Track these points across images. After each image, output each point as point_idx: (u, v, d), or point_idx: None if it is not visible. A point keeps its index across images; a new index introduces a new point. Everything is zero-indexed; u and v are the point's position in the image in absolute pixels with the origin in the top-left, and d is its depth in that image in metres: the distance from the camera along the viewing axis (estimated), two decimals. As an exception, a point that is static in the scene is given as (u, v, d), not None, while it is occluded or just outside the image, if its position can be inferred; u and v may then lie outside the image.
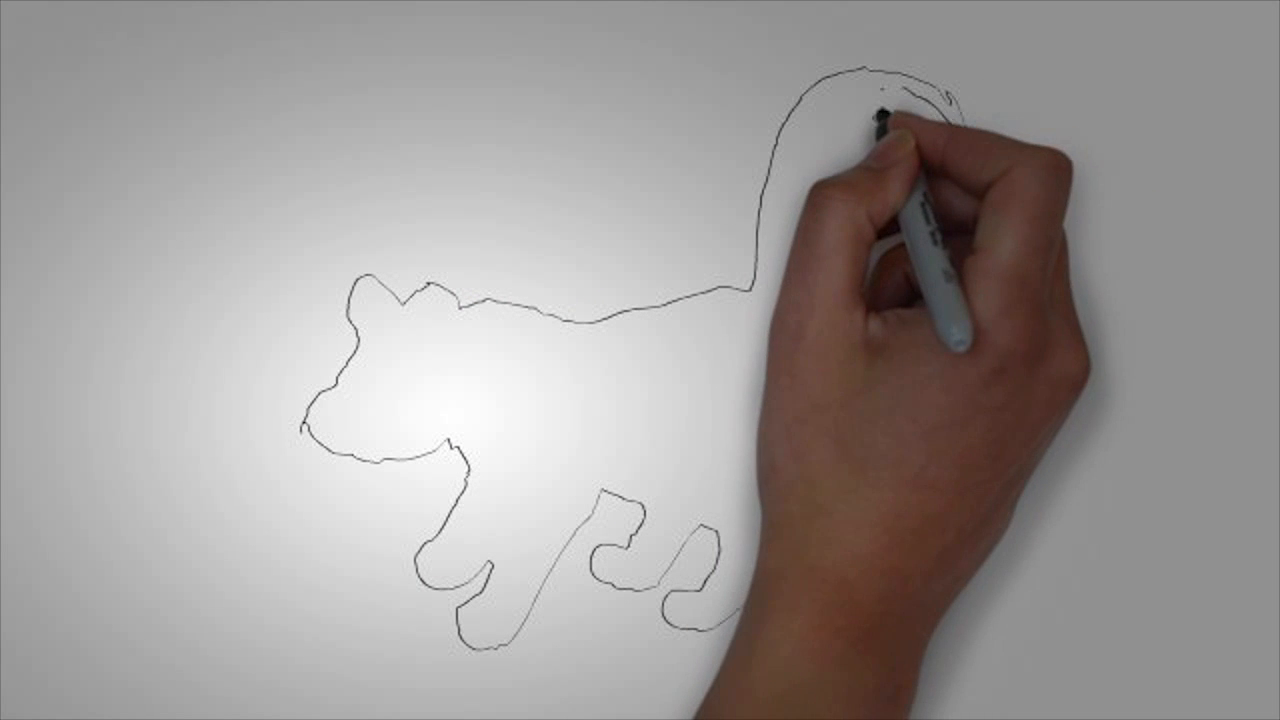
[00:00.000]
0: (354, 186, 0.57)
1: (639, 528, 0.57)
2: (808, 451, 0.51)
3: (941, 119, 0.56)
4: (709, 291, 0.57)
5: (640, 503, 0.57)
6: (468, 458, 0.57)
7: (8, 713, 0.56)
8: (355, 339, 0.56)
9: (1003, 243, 0.50)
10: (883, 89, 0.57)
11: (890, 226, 0.53)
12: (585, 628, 0.57)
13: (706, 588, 0.57)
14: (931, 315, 0.50)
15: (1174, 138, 0.58)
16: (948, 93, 0.57)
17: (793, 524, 0.52)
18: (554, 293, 0.57)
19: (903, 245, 0.53)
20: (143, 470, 0.56)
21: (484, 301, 0.57)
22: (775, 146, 0.57)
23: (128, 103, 0.57)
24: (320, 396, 0.56)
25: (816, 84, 0.57)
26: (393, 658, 0.56)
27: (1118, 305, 0.58)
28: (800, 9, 0.57)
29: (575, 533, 0.57)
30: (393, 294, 0.57)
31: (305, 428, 0.56)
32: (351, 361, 0.56)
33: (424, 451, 0.57)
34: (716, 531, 0.57)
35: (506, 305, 0.57)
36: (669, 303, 0.57)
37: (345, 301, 0.57)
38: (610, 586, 0.57)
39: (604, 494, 0.57)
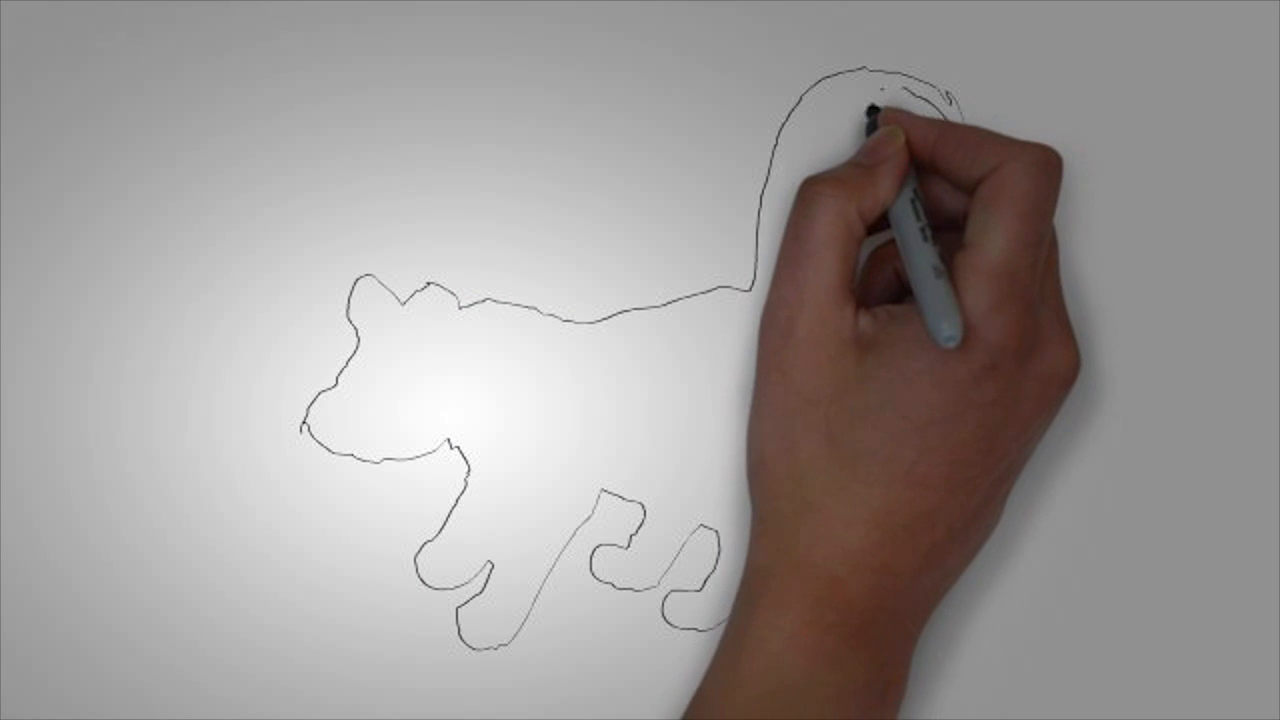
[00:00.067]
0: (354, 186, 0.57)
1: (639, 528, 0.57)
2: (798, 447, 0.51)
3: (940, 118, 0.56)
4: (709, 291, 0.57)
5: (640, 503, 0.57)
6: (468, 458, 0.57)
7: (8, 713, 0.56)
8: (355, 339, 0.57)
9: (993, 239, 0.50)
10: (883, 89, 0.57)
11: (880, 222, 0.53)
12: (585, 628, 0.57)
13: (706, 588, 0.57)
14: (921, 311, 0.50)
15: (1172, 136, 0.58)
16: (948, 93, 0.57)
17: (782, 520, 0.52)
18: (554, 293, 0.57)
19: (893, 241, 0.53)
20: (143, 470, 0.56)
21: (484, 301, 0.57)
22: (775, 146, 0.57)
23: (128, 103, 0.57)
24: (320, 396, 0.56)
25: (816, 84, 0.57)
26: (393, 658, 0.56)
27: (1108, 301, 0.58)
28: (800, 9, 0.57)
29: (575, 533, 0.57)
30: (393, 294, 0.57)
31: (305, 428, 0.56)
32: (351, 361, 0.56)
33: (424, 451, 0.57)
34: (716, 531, 0.57)
35: (506, 305, 0.57)
36: (669, 303, 0.57)
37: (345, 301, 0.57)
38: (610, 586, 0.57)
39: (604, 494, 0.57)
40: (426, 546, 0.56)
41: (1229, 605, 0.57)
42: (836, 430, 0.51)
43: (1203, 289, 0.58)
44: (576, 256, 0.57)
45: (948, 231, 0.53)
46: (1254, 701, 0.57)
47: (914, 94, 0.57)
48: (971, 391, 0.50)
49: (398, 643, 0.56)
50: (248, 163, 0.57)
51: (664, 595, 0.57)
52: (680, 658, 0.57)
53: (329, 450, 0.56)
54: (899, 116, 0.54)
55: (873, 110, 0.56)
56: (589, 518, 0.57)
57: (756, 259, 0.57)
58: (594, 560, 0.57)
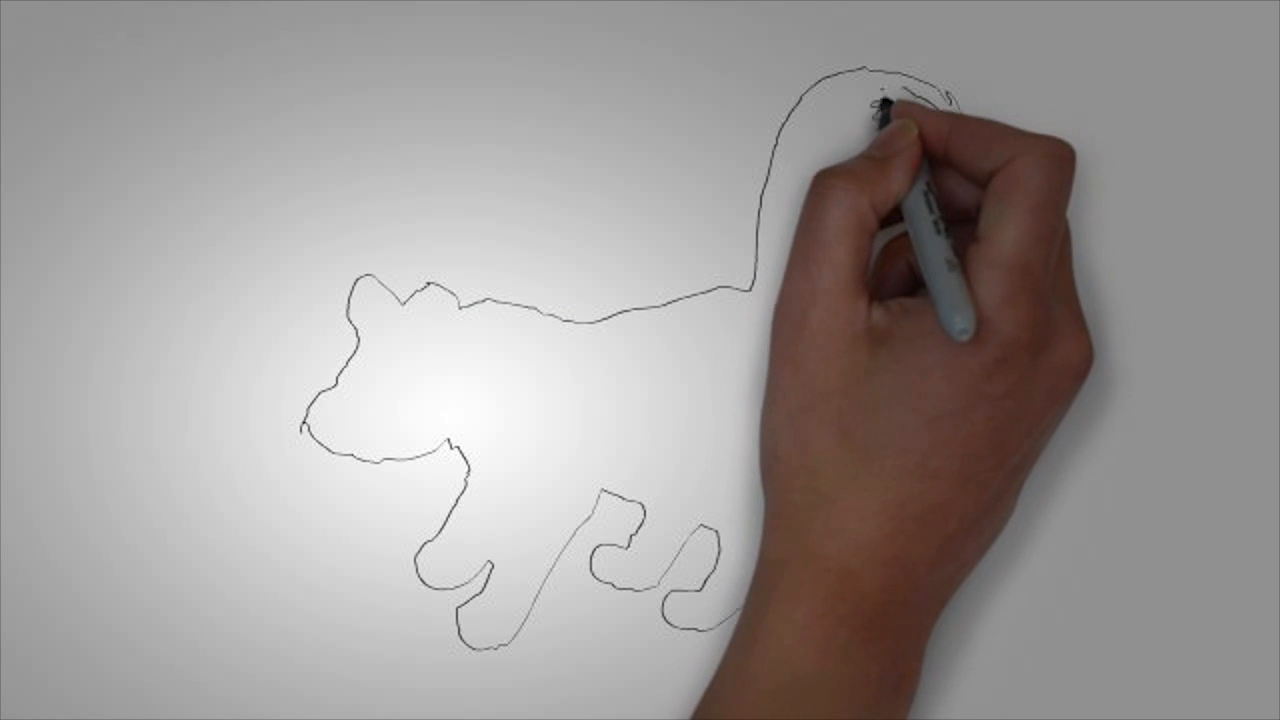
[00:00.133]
0: (354, 186, 0.57)
1: (639, 528, 0.57)
2: (811, 440, 0.51)
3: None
4: (709, 291, 0.57)
5: (640, 503, 0.57)
6: (468, 458, 0.57)
7: (8, 713, 0.56)
8: (355, 339, 0.56)
9: (1005, 232, 0.50)
10: (882, 89, 0.57)
11: (893, 215, 0.53)
12: (585, 628, 0.57)
13: (706, 588, 0.57)
14: (934, 304, 0.50)
15: (1174, 134, 0.58)
16: (948, 92, 0.57)
17: (795, 513, 0.52)
18: (554, 293, 0.57)
19: (906, 234, 0.53)
20: (143, 470, 0.56)
21: (484, 301, 0.57)
22: (775, 146, 0.57)
23: (128, 103, 0.57)
24: (320, 396, 0.56)
25: (816, 84, 0.57)
26: (393, 658, 0.56)
27: (1120, 295, 0.58)
28: (800, 9, 0.57)
29: (575, 533, 0.57)
30: (393, 294, 0.57)
31: (305, 428, 0.56)
32: (351, 361, 0.56)
33: (424, 451, 0.57)
34: (716, 531, 0.57)
35: (506, 305, 0.57)
36: (669, 303, 0.57)
37: (345, 301, 0.57)
38: (610, 586, 0.57)
39: (604, 494, 0.57)
40: (426, 546, 0.56)
41: (1243, 599, 0.57)
42: (849, 423, 0.51)
43: (1215, 282, 0.58)
44: (576, 256, 0.57)
45: (961, 224, 0.53)
46: (1255, 699, 0.57)
47: (914, 94, 0.57)
48: (983, 384, 0.50)
49: (398, 643, 0.56)
50: (248, 163, 0.57)
51: (664, 595, 0.57)
52: (680, 658, 0.57)
53: (329, 450, 0.56)
54: (912, 109, 0.54)
55: (885, 103, 0.56)
56: (589, 518, 0.57)
57: (756, 259, 0.57)
58: (594, 560, 0.57)
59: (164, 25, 0.57)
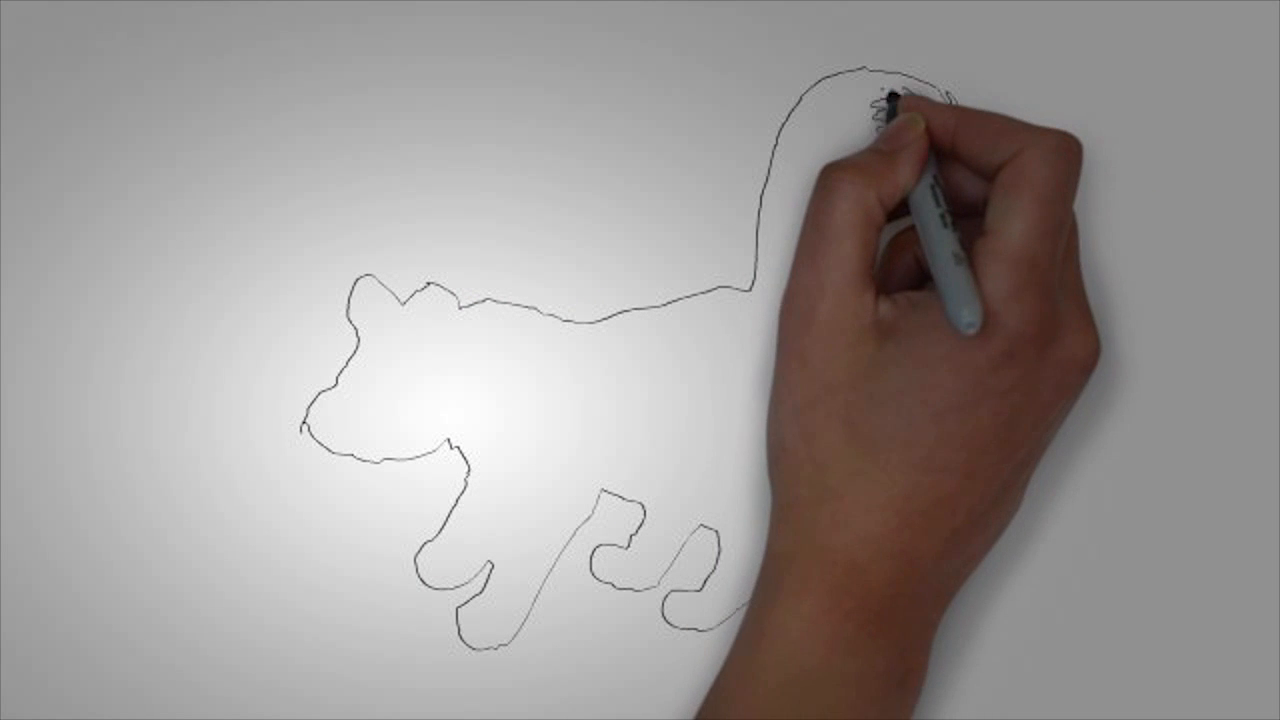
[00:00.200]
0: (354, 186, 0.57)
1: (639, 528, 0.57)
2: (818, 434, 0.51)
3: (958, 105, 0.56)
4: (709, 291, 0.57)
5: (640, 503, 0.57)
6: (468, 458, 0.57)
7: (8, 713, 0.56)
8: (355, 339, 0.56)
9: (1012, 225, 0.50)
10: (883, 89, 0.57)
11: (900, 209, 0.53)
12: (585, 628, 0.57)
13: (706, 588, 0.57)
14: (941, 298, 0.50)
15: (1175, 131, 0.58)
16: (947, 92, 0.57)
17: (802, 506, 0.52)
18: (554, 293, 0.57)
19: (913, 227, 0.53)
20: (143, 470, 0.56)
21: (484, 301, 0.57)
22: (775, 146, 0.57)
23: (128, 103, 0.57)
24: (320, 396, 0.56)
25: (816, 84, 0.57)
26: (393, 658, 0.56)
27: (1125, 289, 0.58)
28: (800, 9, 0.57)
29: (575, 533, 0.57)
30: (393, 294, 0.57)
31: (305, 428, 0.56)
32: (351, 361, 0.56)
33: (424, 451, 0.57)
34: (716, 531, 0.57)
35: (506, 305, 0.57)
36: (669, 303, 0.57)
37: (345, 301, 0.57)
38: (610, 586, 0.57)
39: (604, 494, 0.57)
40: (426, 546, 0.56)
41: (1248, 593, 0.57)
42: (856, 416, 0.51)
43: (1220, 276, 0.58)
44: (576, 256, 0.57)
45: (968, 218, 0.53)
46: (1256, 699, 0.57)
47: (914, 94, 0.57)
48: (990, 378, 0.50)
49: (398, 643, 0.56)
50: (248, 163, 0.57)
51: (664, 595, 0.57)
52: (680, 658, 0.57)
53: (329, 450, 0.56)
54: (919, 103, 0.54)
55: (892, 96, 0.56)
56: (589, 518, 0.57)
57: (756, 259, 0.57)
58: (594, 560, 0.57)
59: (164, 25, 0.57)
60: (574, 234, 0.57)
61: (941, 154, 0.54)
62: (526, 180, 0.57)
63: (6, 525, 0.56)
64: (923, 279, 0.55)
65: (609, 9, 0.57)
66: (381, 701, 0.56)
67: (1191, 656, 0.57)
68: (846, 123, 0.57)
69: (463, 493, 0.57)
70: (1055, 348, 0.51)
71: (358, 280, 0.57)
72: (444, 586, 0.56)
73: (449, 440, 0.57)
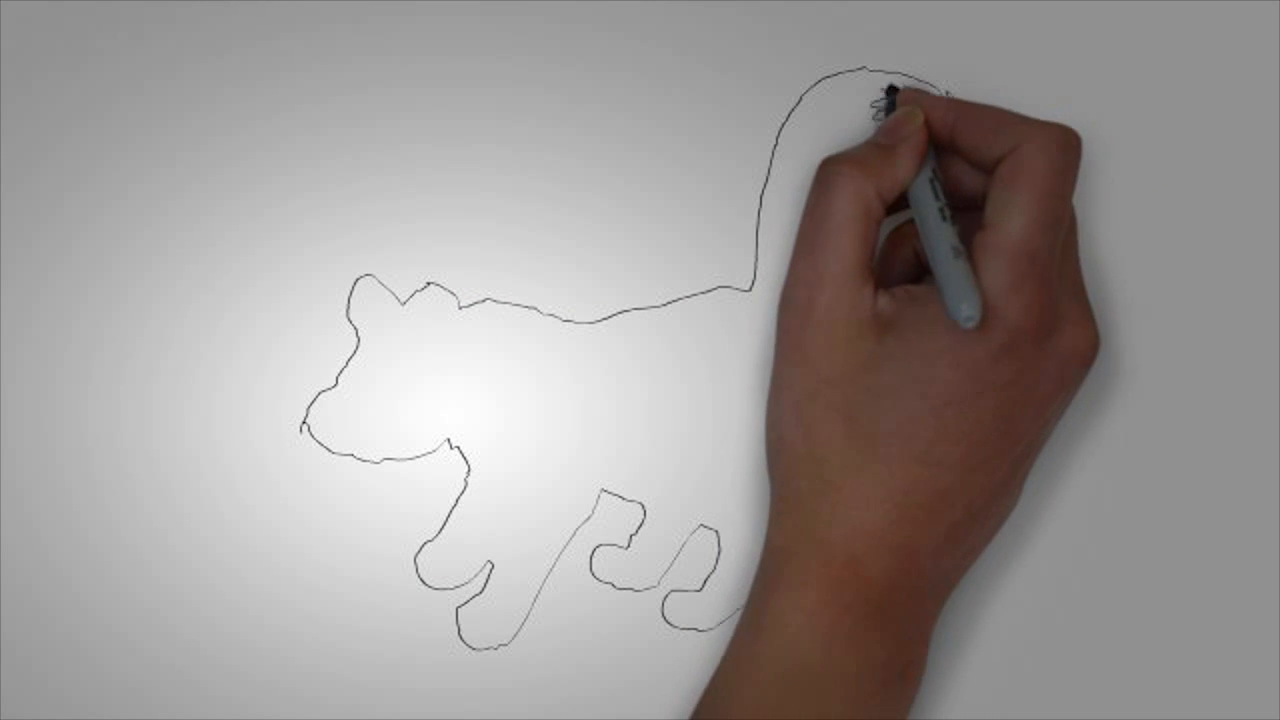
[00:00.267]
0: (354, 186, 0.57)
1: (639, 528, 0.57)
2: (816, 427, 0.51)
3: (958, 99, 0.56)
4: (709, 291, 0.57)
5: (640, 503, 0.57)
6: (468, 458, 0.57)
7: (8, 713, 0.56)
8: (355, 339, 0.56)
9: (1012, 219, 0.50)
10: (883, 88, 0.57)
11: (899, 203, 0.53)
12: (585, 628, 0.57)
13: (706, 588, 0.57)
14: (941, 292, 0.50)
15: (1175, 130, 0.58)
16: (947, 92, 0.57)
17: (801, 500, 0.52)
18: (554, 293, 0.57)
19: (911, 221, 0.53)
20: (143, 470, 0.56)
21: (484, 301, 0.57)
22: (775, 146, 0.57)
23: (128, 103, 0.57)
24: (320, 396, 0.56)
25: (816, 84, 0.57)
26: (393, 658, 0.56)
27: (1123, 284, 0.58)
28: (800, 9, 0.57)
29: (575, 533, 0.57)
30: (393, 294, 0.57)
31: (305, 428, 0.56)
32: (351, 361, 0.56)
33: (424, 451, 0.57)
34: (716, 531, 0.57)
35: (506, 305, 0.57)
36: (669, 303, 0.57)
37: (345, 301, 0.57)
38: (610, 586, 0.57)
39: (604, 494, 0.57)
40: (426, 546, 0.56)
41: (1246, 591, 0.57)
42: (855, 410, 0.51)
43: (1218, 271, 0.58)
44: (576, 256, 0.57)
45: (966, 211, 0.53)
46: (1256, 699, 0.57)
47: (912, 88, 0.57)
48: (989, 372, 0.50)
49: (398, 643, 0.56)
50: (248, 163, 0.57)
51: (664, 595, 0.57)
52: (680, 658, 0.57)
53: (329, 450, 0.56)
54: (918, 96, 0.54)
55: (891, 91, 0.56)
56: (589, 518, 0.57)
57: (756, 259, 0.57)
58: (594, 560, 0.57)
59: (164, 25, 0.57)
60: (574, 234, 0.57)
61: (940, 147, 0.54)
62: (526, 180, 0.57)
63: (6, 525, 0.56)
64: (922, 272, 0.55)
65: (609, 9, 0.57)
66: (381, 701, 0.56)
67: (1190, 654, 0.57)
68: (846, 123, 0.57)
69: (463, 493, 0.57)
70: (1054, 341, 0.51)
71: (358, 280, 0.57)
72: (444, 586, 0.56)
73: (449, 440, 0.57)
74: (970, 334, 0.50)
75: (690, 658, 0.57)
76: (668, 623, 0.57)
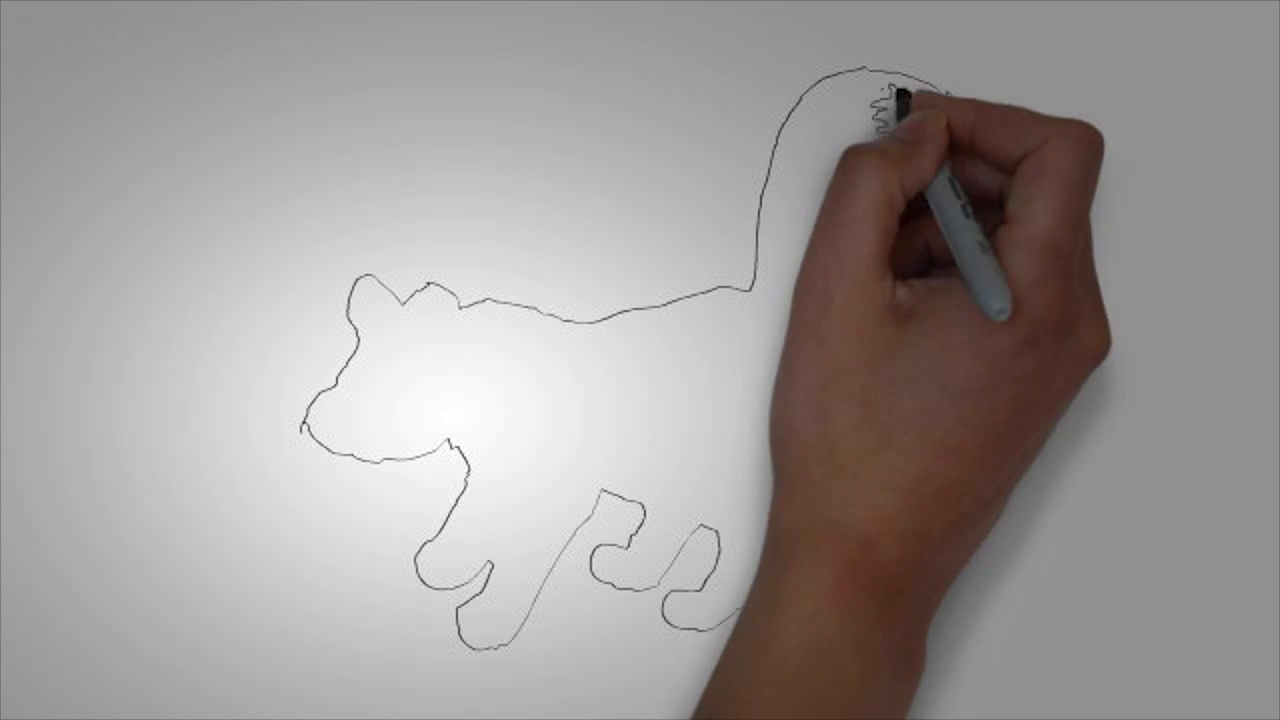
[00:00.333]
0: (354, 186, 0.57)
1: (639, 528, 0.57)
2: (831, 415, 0.51)
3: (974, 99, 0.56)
4: (709, 291, 0.57)
5: (640, 503, 0.57)
6: (468, 458, 0.57)
7: (8, 713, 0.56)
8: (355, 339, 0.56)
9: (1037, 214, 0.50)
10: (882, 89, 0.57)
11: (915, 202, 0.53)
12: (585, 628, 0.57)
13: (706, 588, 0.57)
14: (970, 286, 0.50)
15: (1175, 130, 0.58)
16: (947, 92, 0.57)
17: (812, 484, 0.52)
18: (554, 293, 0.57)
19: (920, 218, 0.53)
20: (143, 470, 0.56)
21: (484, 301, 0.57)
22: (775, 146, 0.57)
23: (128, 103, 0.57)
24: (320, 396, 0.56)
25: (816, 84, 0.57)
26: (393, 658, 0.56)
27: (1125, 285, 0.57)
28: (800, 9, 0.57)
29: (575, 533, 0.57)
30: (393, 294, 0.57)
31: (305, 428, 0.56)
32: (351, 361, 0.56)
33: (424, 451, 0.57)
34: (716, 531, 0.57)
35: (506, 305, 0.57)
36: (669, 303, 0.57)
37: (345, 301, 0.57)
38: (610, 586, 0.57)
39: (604, 494, 0.57)
40: (426, 546, 0.56)
41: (1244, 592, 0.57)
42: (872, 399, 0.51)
43: (1216, 274, 0.58)
44: (576, 256, 0.57)
45: (979, 209, 0.53)
46: (1256, 699, 0.57)
47: (926, 91, 0.57)
48: (1010, 365, 0.50)
49: (398, 643, 0.56)
50: (248, 163, 0.57)
51: (664, 595, 0.57)
52: (680, 658, 0.57)
53: (329, 450, 0.56)
54: (936, 99, 0.54)
55: (902, 94, 0.56)
56: (589, 518, 0.57)
57: (756, 259, 0.57)
58: (594, 560, 0.57)
59: (164, 25, 0.57)
60: (574, 234, 0.57)
61: (958, 149, 0.54)
62: (526, 180, 0.57)
63: (6, 525, 0.56)
64: (930, 266, 0.55)
65: (609, 9, 0.57)
66: (381, 701, 0.56)
67: (1190, 654, 0.57)
68: (846, 123, 0.57)
69: (463, 493, 0.57)
70: (1072, 337, 0.51)
71: (358, 280, 0.57)
72: (444, 586, 0.56)
73: (449, 440, 0.57)
74: (995, 326, 0.50)
75: (690, 658, 0.57)
76: (668, 623, 0.57)
